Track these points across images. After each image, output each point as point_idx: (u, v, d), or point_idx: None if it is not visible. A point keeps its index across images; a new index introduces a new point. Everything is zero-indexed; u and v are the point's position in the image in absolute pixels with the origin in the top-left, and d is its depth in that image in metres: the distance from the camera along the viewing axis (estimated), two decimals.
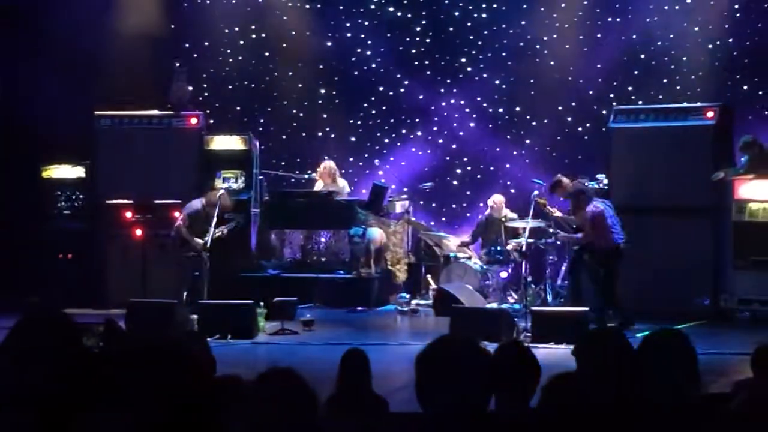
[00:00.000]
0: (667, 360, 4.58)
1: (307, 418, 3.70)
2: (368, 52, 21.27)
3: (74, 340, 3.67)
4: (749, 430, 4.56)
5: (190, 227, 15.62)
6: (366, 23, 21.18)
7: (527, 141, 20.72)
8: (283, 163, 20.50)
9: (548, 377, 4.16)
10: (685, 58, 19.63)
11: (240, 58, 21.23)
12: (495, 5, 20.85)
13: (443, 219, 20.58)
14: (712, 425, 4.51)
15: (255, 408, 3.58)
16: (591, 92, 20.10)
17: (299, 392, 3.73)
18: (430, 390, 3.92)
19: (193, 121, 17.89)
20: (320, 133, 21.33)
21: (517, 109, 20.83)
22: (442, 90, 21.08)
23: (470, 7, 20.94)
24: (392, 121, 21.37)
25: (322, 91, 21.32)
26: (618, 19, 20.14)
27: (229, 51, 21.19)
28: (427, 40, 21.27)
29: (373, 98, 21.33)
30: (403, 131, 21.35)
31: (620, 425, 4.21)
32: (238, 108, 21.06)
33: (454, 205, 20.80)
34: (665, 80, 19.66)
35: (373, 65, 21.28)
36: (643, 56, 20.05)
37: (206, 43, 21.03)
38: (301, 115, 21.32)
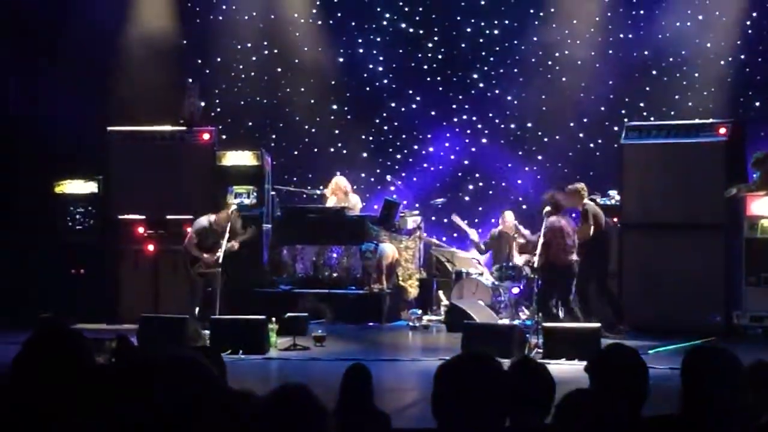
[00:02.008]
0: (716, 377, 4.55)
1: None
2: (380, 68, 21.31)
3: (86, 355, 3.67)
4: None
5: (198, 244, 15.59)
6: (378, 39, 21.22)
7: (539, 157, 20.72)
8: (295, 179, 20.53)
9: (562, 394, 4.16)
10: (697, 75, 19.63)
11: (252, 73, 21.29)
12: (507, 21, 20.89)
13: (455, 235, 20.57)
14: None
15: (267, 424, 3.58)
16: (603, 108, 20.09)
17: (311, 409, 3.73)
18: (447, 404, 3.91)
19: (206, 136, 17.91)
20: (332, 149, 21.36)
21: (529, 125, 20.84)
22: (454, 106, 21.12)
23: (482, 24, 20.97)
24: (404, 136, 21.40)
25: (334, 106, 21.35)
26: (630, 36, 20.16)
27: (241, 67, 21.25)
28: (439, 56, 21.31)
29: (384, 114, 21.37)
30: (415, 147, 21.37)
31: None
32: (250, 123, 21.11)
33: (465, 221, 20.80)
34: (677, 96, 19.65)
35: (385, 81, 21.33)
36: (655, 72, 20.06)
37: (219, 59, 21.09)
38: (313, 130, 21.35)
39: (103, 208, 17.77)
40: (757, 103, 19.34)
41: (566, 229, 15.06)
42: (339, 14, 21.30)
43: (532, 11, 20.69)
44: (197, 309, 15.12)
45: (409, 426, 7.77)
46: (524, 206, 19.53)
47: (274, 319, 14.39)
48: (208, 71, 20.90)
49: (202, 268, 15.50)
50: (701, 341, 14.33)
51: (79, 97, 17.79)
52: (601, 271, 15.89)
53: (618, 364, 4.74)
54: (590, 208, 15.82)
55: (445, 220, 20.64)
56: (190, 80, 18.80)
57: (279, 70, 21.32)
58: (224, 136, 19.09)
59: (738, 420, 4.52)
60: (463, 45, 21.17)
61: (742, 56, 19.45)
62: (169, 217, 17.13)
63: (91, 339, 3.90)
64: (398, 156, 21.40)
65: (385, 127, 21.42)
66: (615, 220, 16.57)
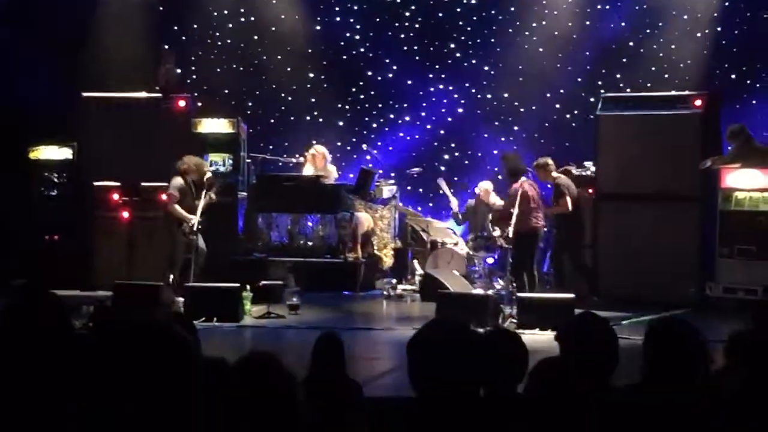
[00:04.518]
0: (677, 347, 4.63)
1: (286, 402, 3.72)
2: (357, 37, 21.26)
3: (64, 321, 3.67)
4: (740, 417, 4.61)
5: (181, 203, 15.30)
6: (355, 7, 21.16)
7: (515, 127, 20.75)
8: (271, 147, 20.47)
9: (534, 362, 4.19)
10: (673, 47, 19.66)
11: (228, 41, 21.20)
12: None
13: (430, 204, 20.62)
14: (702, 411, 4.54)
15: (235, 391, 3.59)
16: (579, 79, 20.12)
17: (279, 376, 3.75)
18: (422, 373, 3.90)
19: (181, 103, 17.81)
20: (308, 117, 21.31)
21: (506, 95, 20.84)
22: (431, 75, 21.10)
23: None
24: (380, 105, 21.39)
25: (311, 75, 21.29)
26: (607, 7, 20.16)
27: (217, 34, 21.15)
28: (416, 25, 21.27)
29: (361, 83, 21.34)
30: (391, 116, 21.36)
31: (604, 409, 4.23)
32: (227, 91, 21.01)
33: (441, 191, 20.81)
34: (653, 68, 19.67)
35: (362, 50, 21.28)
36: (631, 44, 20.08)
37: (195, 26, 20.97)
38: (290, 99, 21.29)
39: (78, 175, 17.67)
40: (733, 76, 19.39)
41: (530, 194, 15.11)
42: None
43: None
44: (171, 276, 15.03)
45: (380, 395, 7.79)
46: (500, 176, 19.54)
47: (248, 286, 14.39)
48: (184, 38, 20.78)
49: (188, 230, 15.13)
50: (678, 312, 14.45)
51: (54, 62, 17.67)
52: (576, 242, 15.98)
53: (587, 333, 4.76)
54: (563, 182, 15.85)
55: (421, 190, 20.66)
56: (166, 47, 18.68)
57: (255, 37, 21.22)
58: (200, 104, 19.05)
59: (699, 389, 4.58)
60: (440, 14, 21.13)
61: (719, 29, 19.46)
62: (143, 184, 17.04)
63: (67, 304, 3.87)
64: (374, 125, 21.40)
65: (362, 96, 21.39)
66: (590, 191, 16.62)
